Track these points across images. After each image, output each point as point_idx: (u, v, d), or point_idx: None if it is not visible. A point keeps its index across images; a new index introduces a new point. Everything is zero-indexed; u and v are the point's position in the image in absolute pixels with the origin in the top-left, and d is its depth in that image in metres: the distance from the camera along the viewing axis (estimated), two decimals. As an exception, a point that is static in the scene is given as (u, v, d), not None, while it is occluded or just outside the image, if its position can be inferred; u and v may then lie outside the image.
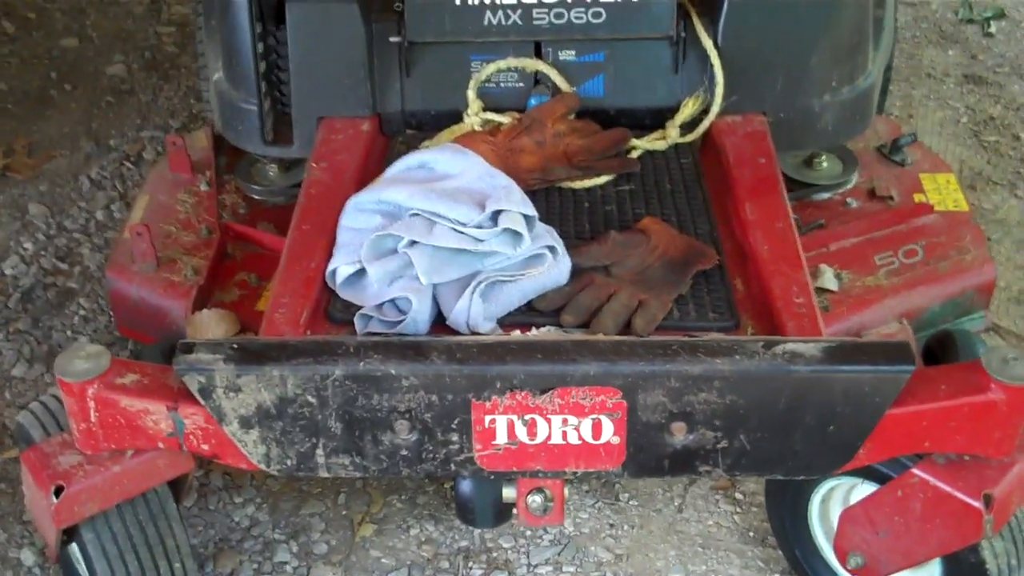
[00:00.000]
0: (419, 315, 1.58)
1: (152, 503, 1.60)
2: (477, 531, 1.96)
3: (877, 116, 2.24)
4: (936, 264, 2.00)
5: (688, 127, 1.99)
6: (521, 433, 1.47)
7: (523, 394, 1.44)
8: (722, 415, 1.45)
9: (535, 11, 1.94)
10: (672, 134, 1.98)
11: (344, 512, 2.01)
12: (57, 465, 1.53)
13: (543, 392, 1.44)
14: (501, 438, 1.48)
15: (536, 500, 1.56)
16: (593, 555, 1.93)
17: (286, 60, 2.00)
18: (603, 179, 1.91)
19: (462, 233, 1.64)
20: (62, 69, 3.31)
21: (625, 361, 1.43)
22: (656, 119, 2.00)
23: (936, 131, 3.03)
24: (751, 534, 1.97)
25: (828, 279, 1.95)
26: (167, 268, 2.00)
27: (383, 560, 1.93)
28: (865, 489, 1.64)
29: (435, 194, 1.69)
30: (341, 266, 1.66)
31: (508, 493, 1.58)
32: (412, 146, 1.95)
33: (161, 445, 1.52)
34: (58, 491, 1.50)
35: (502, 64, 1.98)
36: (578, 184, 1.90)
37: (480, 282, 1.60)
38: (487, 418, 1.46)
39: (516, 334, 1.59)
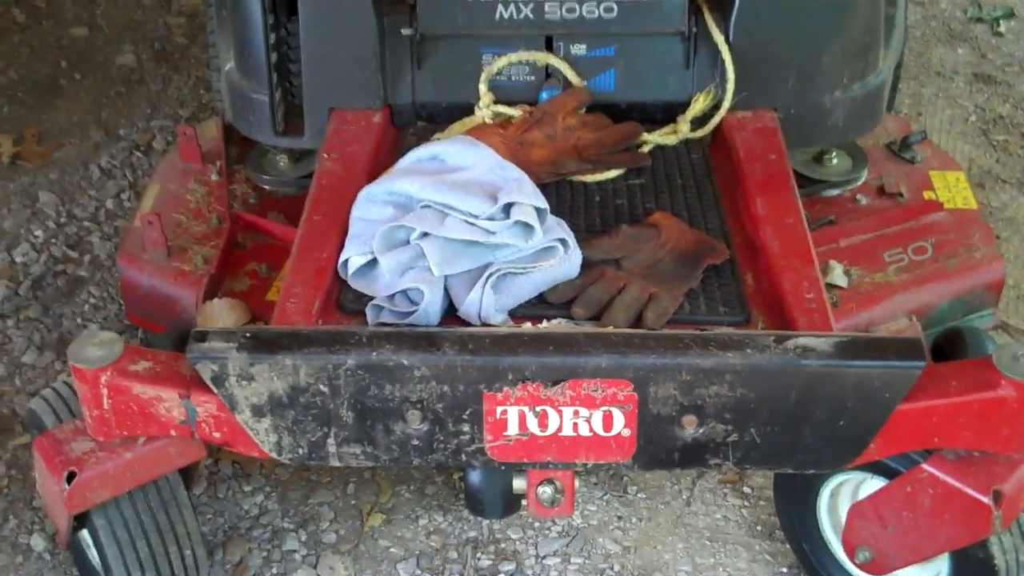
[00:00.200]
0: (431, 306, 1.58)
1: (163, 490, 1.61)
2: (485, 522, 1.97)
3: (887, 114, 2.24)
4: (945, 261, 2.00)
5: (699, 122, 2.00)
6: (532, 424, 1.48)
7: (535, 385, 1.45)
8: (733, 409, 1.45)
9: (547, 5, 1.95)
10: (683, 129, 1.99)
11: (353, 502, 2.02)
12: (69, 451, 1.53)
13: (555, 384, 1.45)
14: (512, 429, 1.48)
15: (546, 491, 1.56)
16: (601, 547, 1.94)
17: (298, 51, 2.00)
18: (613, 173, 1.92)
19: (474, 225, 1.64)
20: (72, 58, 3.31)
21: (636, 354, 1.43)
22: (667, 114, 2.01)
23: (945, 129, 3.03)
24: (759, 528, 1.97)
25: (838, 275, 1.95)
26: (178, 257, 2.01)
27: (392, 550, 1.94)
28: (874, 484, 1.64)
29: (447, 186, 1.70)
30: (353, 256, 1.67)
31: (518, 484, 1.58)
32: (423, 138, 1.95)
33: (173, 432, 1.53)
34: (70, 477, 1.51)
35: (513, 57, 1.99)
36: (589, 178, 1.91)
37: (492, 274, 1.60)
38: (499, 409, 1.46)
39: (528, 326, 1.59)
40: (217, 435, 1.53)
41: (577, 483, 1.59)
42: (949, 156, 2.33)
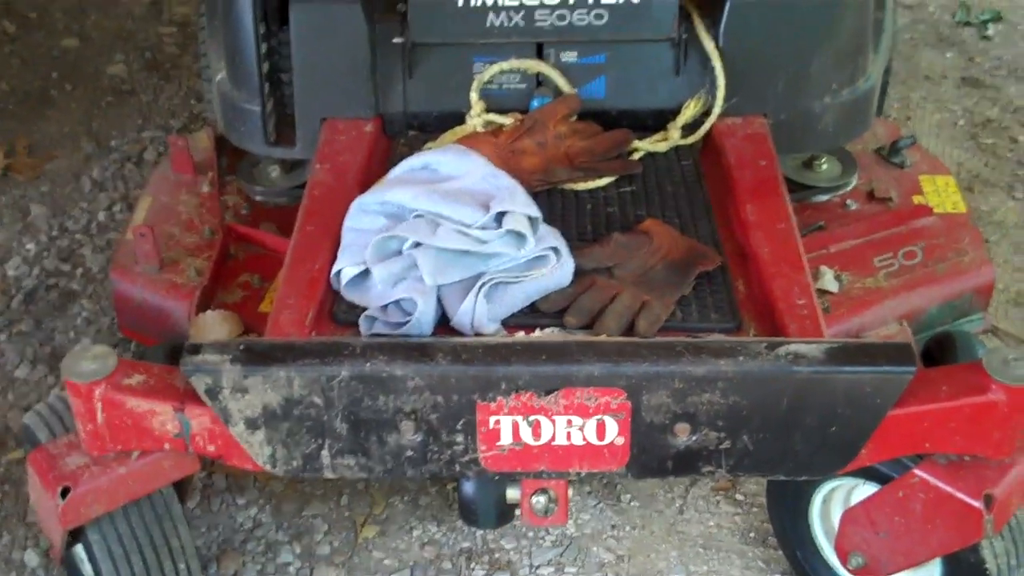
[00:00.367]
0: (424, 316, 1.58)
1: (157, 504, 1.61)
2: (479, 532, 1.97)
3: (876, 118, 2.25)
4: (935, 266, 2.01)
5: (689, 129, 2.00)
6: (526, 434, 1.48)
7: (528, 395, 1.45)
8: (725, 416, 1.46)
9: (537, 13, 1.95)
10: (673, 136, 1.99)
11: (347, 513, 2.02)
12: (64, 466, 1.53)
13: (548, 393, 1.45)
14: (506, 439, 1.48)
15: (540, 501, 1.57)
16: (595, 556, 1.94)
17: (289, 61, 2.00)
18: (605, 181, 1.92)
19: (466, 234, 1.64)
20: (63, 69, 3.31)
21: (629, 362, 1.44)
22: (658, 121, 2.01)
23: (934, 133, 3.05)
24: (752, 535, 1.98)
25: (828, 281, 1.96)
26: (170, 269, 2.01)
27: (386, 561, 1.94)
28: (866, 490, 1.65)
29: (439, 195, 1.70)
30: (346, 267, 1.67)
31: (512, 494, 1.58)
32: (415, 147, 1.96)
33: (167, 446, 1.53)
34: (64, 492, 1.51)
35: (504, 65, 1.99)
36: (580, 185, 1.91)
37: (484, 283, 1.61)
38: (492, 419, 1.47)
39: (520, 335, 1.59)
40: (211, 448, 1.53)
41: (571, 492, 1.59)
42: (938, 160, 2.34)
